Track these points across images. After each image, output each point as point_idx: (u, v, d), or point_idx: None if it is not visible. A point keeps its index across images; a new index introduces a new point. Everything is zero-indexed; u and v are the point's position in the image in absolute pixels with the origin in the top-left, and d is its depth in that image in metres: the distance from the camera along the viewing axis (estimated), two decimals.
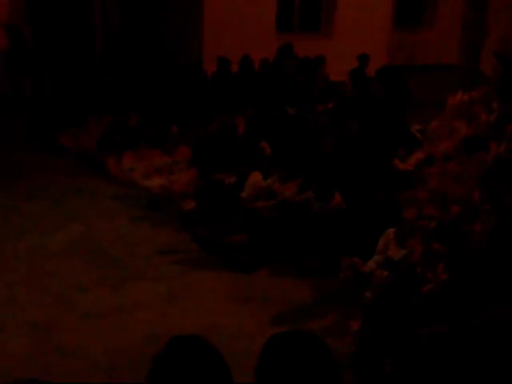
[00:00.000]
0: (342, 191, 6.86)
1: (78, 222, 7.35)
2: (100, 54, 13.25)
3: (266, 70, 12.18)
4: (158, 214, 7.77)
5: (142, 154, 9.03)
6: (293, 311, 5.77)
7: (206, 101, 10.32)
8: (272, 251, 6.65)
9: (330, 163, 7.35)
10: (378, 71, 11.68)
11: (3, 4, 11.69)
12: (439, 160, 2.23)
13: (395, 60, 13.90)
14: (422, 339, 2.13)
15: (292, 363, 2.28)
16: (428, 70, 15.98)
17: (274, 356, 2.35)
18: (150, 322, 5.37)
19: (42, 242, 6.83)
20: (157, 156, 9.00)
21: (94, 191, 8.36)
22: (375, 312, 2.78)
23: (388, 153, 7.92)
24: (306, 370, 2.26)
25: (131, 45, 13.93)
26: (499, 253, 1.85)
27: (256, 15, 13.95)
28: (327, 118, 9.40)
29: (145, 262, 6.58)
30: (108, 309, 5.63)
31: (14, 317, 5.46)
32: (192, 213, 7.43)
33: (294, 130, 8.84)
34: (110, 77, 11.14)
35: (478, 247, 1.85)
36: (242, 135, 8.95)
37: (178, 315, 5.54)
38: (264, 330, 5.25)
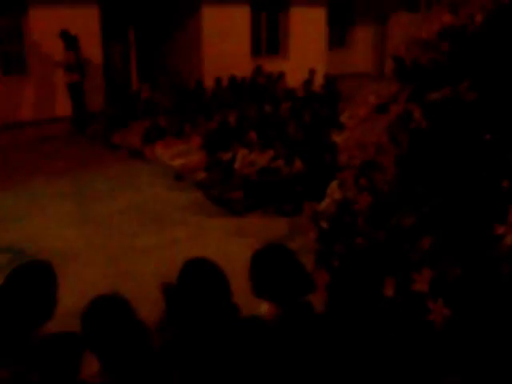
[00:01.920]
0: (301, 159, 6.89)
1: (130, 192, 7.31)
2: (136, 78, 13.11)
3: (245, 83, 12.22)
4: (181, 182, 7.74)
5: (169, 144, 9.02)
6: (276, 238, 5.77)
7: (208, 106, 10.30)
8: (259, 201, 6.67)
9: (292, 141, 7.36)
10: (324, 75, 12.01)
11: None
12: (360, 121, 2.25)
13: (331, 71, 13.91)
14: (358, 246, 2.14)
15: (275, 261, 2.32)
16: (351, 76, 15.98)
17: (262, 257, 2.39)
18: (182, 253, 5.32)
19: (108, 206, 6.81)
20: (178, 144, 8.98)
21: (138, 171, 8.30)
22: (327, 231, 2.79)
23: (328, 131, 7.96)
24: (285, 266, 2.30)
25: (156, 72, 13.82)
26: (403, 178, 1.88)
27: (237, 46, 13.90)
28: (288, 112, 9.40)
29: (175, 214, 6.56)
30: (154, 246, 5.64)
31: (94, 254, 5.49)
32: (203, 180, 7.43)
33: (267, 120, 8.86)
34: (145, 94, 11.04)
35: (389, 175, 1.88)
36: (234, 127, 8.94)
37: (199, 247, 5.56)
38: None
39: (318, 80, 12.15)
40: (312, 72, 12.37)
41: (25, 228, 6.05)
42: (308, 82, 12.06)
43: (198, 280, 2.26)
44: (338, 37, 17.99)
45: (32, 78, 11.04)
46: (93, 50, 11.54)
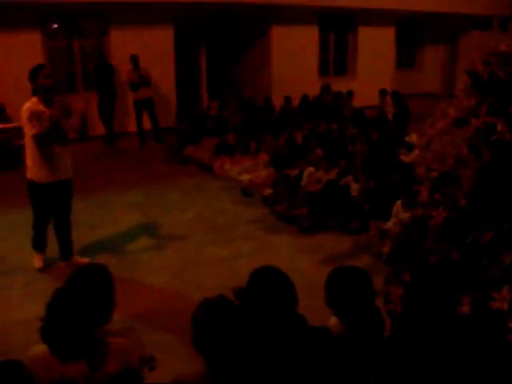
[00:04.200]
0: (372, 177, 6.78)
1: (198, 205, 7.44)
2: (207, 96, 13.43)
3: (314, 102, 12.23)
4: (248, 197, 7.79)
5: (237, 160, 9.14)
6: (339, 256, 5.72)
7: (276, 124, 10.36)
8: (325, 218, 6.58)
9: (364, 158, 7.24)
10: (392, 93, 11.85)
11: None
12: (438, 133, 2.17)
13: (399, 91, 13.69)
14: (431, 261, 2.08)
15: (350, 282, 2.32)
16: (420, 97, 15.72)
17: (338, 277, 2.39)
18: (247, 267, 5.35)
19: (177, 217, 6.95)
20: (246, 160, 9.08)
21: (206, 185, 8.43)
22: (397, 248, 2.73)
23: (396, 151, 7.82)
24: (361, 287, 2.31)
25: (226, 90, 14.11)
26: (482, 191, 1.80)
27: (305, 66, 13.98)
28: (356, 131, 9.32)
29: (241, 228, 6.61)
30: (220, 259, 5.69)
31: (162, 263, 5.60)
32: (270, 196, 7.44)
33: (334, 138, 8.81)
34: (215, 111, 11.24)
35: (468, 187, 1.81)
36: (300, 144, 8.94)
37: (264, 261, 5.49)
38: (320, 268, 5.25)
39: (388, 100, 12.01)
40: (384, 92, 12.24)
41: (99, 235, 6.28)
42: (380, 106, 12.04)
43: (268, 287, 2.27)
44: (406, 57, 17.73)
45: None
46: (166, 68, 11.93)
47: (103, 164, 9.76)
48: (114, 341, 2.24)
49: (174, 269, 5.43)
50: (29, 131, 4.79)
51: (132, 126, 11.34)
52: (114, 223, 6.70)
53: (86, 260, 5.41)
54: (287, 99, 11.91)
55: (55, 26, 11.20)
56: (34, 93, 4.84)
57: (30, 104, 4.79)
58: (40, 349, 2.19)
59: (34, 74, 4.77)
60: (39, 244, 5.45)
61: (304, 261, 5.58)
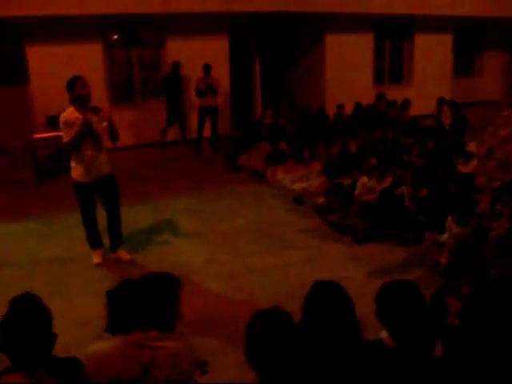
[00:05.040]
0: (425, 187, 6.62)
1: (251, 212, 7.47)
2: (261, 107, 13.50)
3: (368, 110, 12.10)
4: (301, 206, 7.75)
5: (289, 168, 9.14)
6: (392, 267, 5.61)
7: (330, 132, 10.31)
8: (378, 228, 6.47)
9: (418, 168, 7.08)
10: (450, 102, 11.66)
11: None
12: (501, 142, 2.09)
13: (457, 99, 13.30)
14: (492, 274, 2.00)
15: (401, 298, 2.26)
16: (478, 105, 15.26)
17: (389, 293, 2.33)
18: (298, 275, 5.37)
19: (230, 224, 7.00)
20: (299, 169, 9.07)
21: (259, 193, 8.47)
22: (455, 260, 2.64)
23: (453, 161, 7.60)
24: (412, 303, 2.24)
25: (280, 98, 14.13)
26: None
27: (359, 74, 13.84)
28: (411, 140, 9.15)
29: (293, 236, 6.58)
30: (270, 267, 5.69)
31: (213, 269, 5.66)
32: (323, 205, 7.39)
33: (388, 147, 8.67)
34: (269, 120, 11.27)
35: None
36: (354, 153, 8.85)
37: (315, 270, 5.51)
38: (371, 279, 5.23)
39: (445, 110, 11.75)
40: (442, 101, 11.99)
41: (153, 240, 6.42)
42: (437, 113, 11.82)
43: (328, 302, 2.24)
44: (465, 64, 17.23)
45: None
46: (221, 77, 12.07)
47: (158, 170, 9.95)
48: (166, 345, 2.27)
49: (225, 275, 5.47)
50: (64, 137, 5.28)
51: (191, 134, 11.51)
52: (167, 228, 6.83)
53: (127, 256, 5.82)
54: (340, 108, 11.83)
55: (115, 36, 11.57)
56: (72, 102, 5.26)
57: (67, 113, 5.25)
58: (98, 347, 2.26)
59: (72, 84, 5.21)
60: (93, 242, 5.82)
61: (356, 271, 5.51)
